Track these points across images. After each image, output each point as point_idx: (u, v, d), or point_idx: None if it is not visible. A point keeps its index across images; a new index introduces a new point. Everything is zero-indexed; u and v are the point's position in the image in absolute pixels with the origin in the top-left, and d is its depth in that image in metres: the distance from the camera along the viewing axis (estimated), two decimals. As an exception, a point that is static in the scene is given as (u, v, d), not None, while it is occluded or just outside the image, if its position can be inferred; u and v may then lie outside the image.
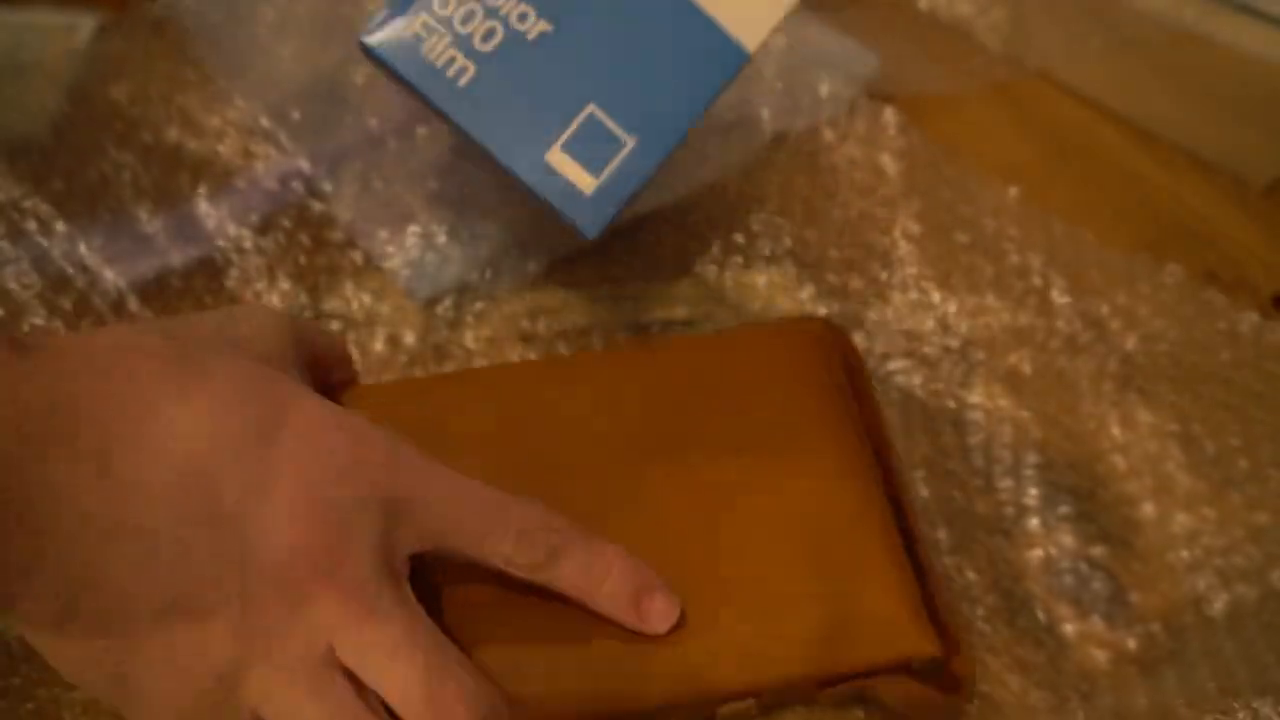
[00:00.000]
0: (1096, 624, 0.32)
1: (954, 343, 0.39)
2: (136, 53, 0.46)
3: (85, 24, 0.47)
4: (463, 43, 0.30)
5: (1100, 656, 0.31)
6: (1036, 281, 0.41)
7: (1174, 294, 0.41)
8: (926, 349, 0.39)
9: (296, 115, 0.43)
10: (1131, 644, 0.31)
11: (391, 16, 0.31)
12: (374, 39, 0.31)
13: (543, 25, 0.31)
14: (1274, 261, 0.43)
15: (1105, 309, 0.40)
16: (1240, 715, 0.30)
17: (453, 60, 0.30)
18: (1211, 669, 0.31)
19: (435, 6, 0.31)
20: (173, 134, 0.43)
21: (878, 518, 0.29)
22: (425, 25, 0.30)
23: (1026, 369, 0.38)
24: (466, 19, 0.31)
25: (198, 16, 0.47)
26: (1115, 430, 0.36)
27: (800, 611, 0.26)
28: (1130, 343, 0.39)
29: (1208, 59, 0.52)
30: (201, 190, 0.41)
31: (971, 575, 0.33)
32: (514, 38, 0.31)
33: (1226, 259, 0.42)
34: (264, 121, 0.43)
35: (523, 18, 0.31)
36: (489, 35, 0.31)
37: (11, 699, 0.29)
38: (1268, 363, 0.39)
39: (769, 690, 0.26)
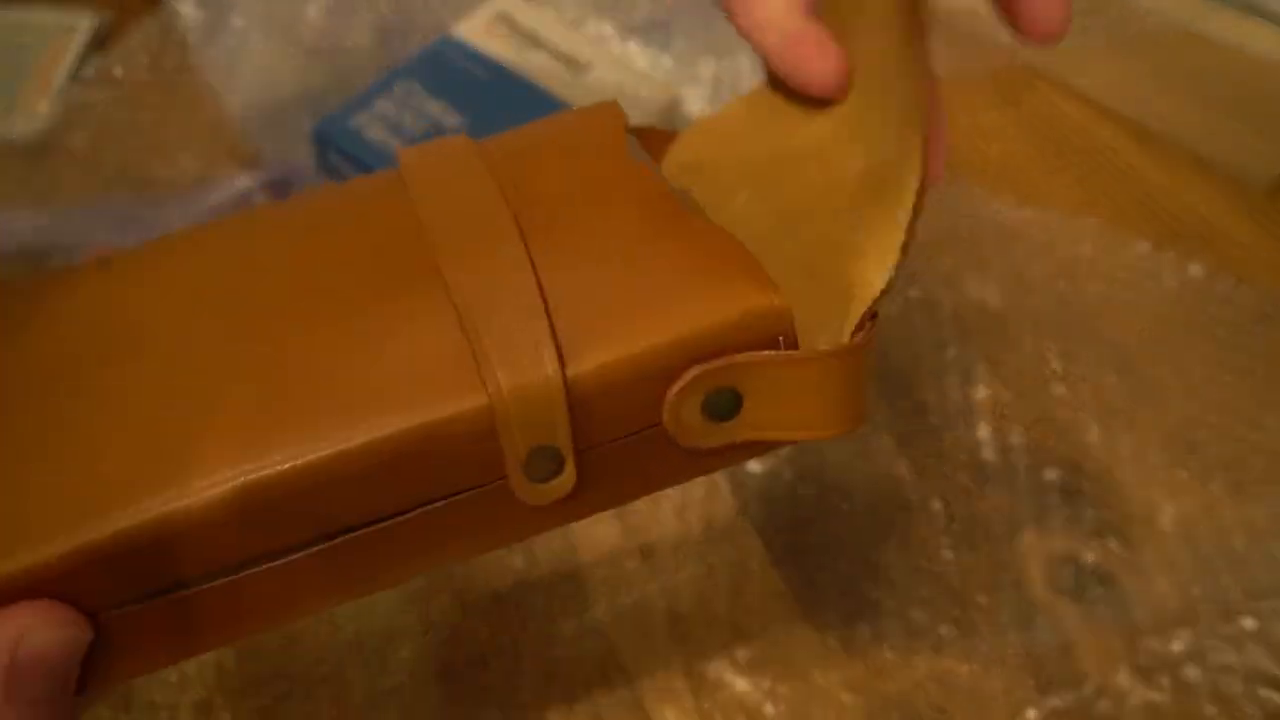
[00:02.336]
0: (1055, 543, 0.33)
1: (893, 295, 0.40)
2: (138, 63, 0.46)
3: (83, 23, 0.47)
4: (396, 131, 0.41)
5: (1061, 571, 0.32)
6: (965, 235, 0.42)
7: (1100, 244, 0.42)
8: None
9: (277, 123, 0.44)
10: (1090, 556, 0.32)
11: (342, 113, 0.41)
12: (323, 128, 0.40)
13: (458, 118, 0.41)
14: (1275, 261, 0.43)
15: (1034, 262, 0.41)
16: (1200, 627, 0.30)
17: (387, 141, 0.40)
18: (1169, 581, 0.31)
19: (377, 109, 0.41)
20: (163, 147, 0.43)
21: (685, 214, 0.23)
22: (369, 119, 0.41)
23: (967, 315, 0.39)
24: (399, 114, 0.41)
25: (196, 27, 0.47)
26: (1056, 363, 0.38)
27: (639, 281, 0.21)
28: (1061, 286, 0.40)
29: (1208, 59, 0.52)
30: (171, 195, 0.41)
31: (937, 505, 0.34)
32: (437, 128, 0.41)
33: (1228, 258, 0.42)
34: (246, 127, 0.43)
35: (444, 114, 0.41)
36: (417, 122, 0.41)
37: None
38: (1187, 296, 0.40)
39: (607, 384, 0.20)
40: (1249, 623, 0.31)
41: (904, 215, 0.22)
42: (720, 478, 0.34)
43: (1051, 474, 0.35)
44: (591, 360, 0.19)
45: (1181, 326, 0.39)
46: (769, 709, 0.29)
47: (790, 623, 0.31)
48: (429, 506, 0.20)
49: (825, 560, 0.32)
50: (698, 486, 0.34)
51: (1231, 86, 0.50)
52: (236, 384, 0.20)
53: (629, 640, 0.31)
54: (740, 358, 0.20)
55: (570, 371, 0.19)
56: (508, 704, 0.29)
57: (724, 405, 0.20)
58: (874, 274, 0.21)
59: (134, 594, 0.18)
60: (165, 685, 0.29)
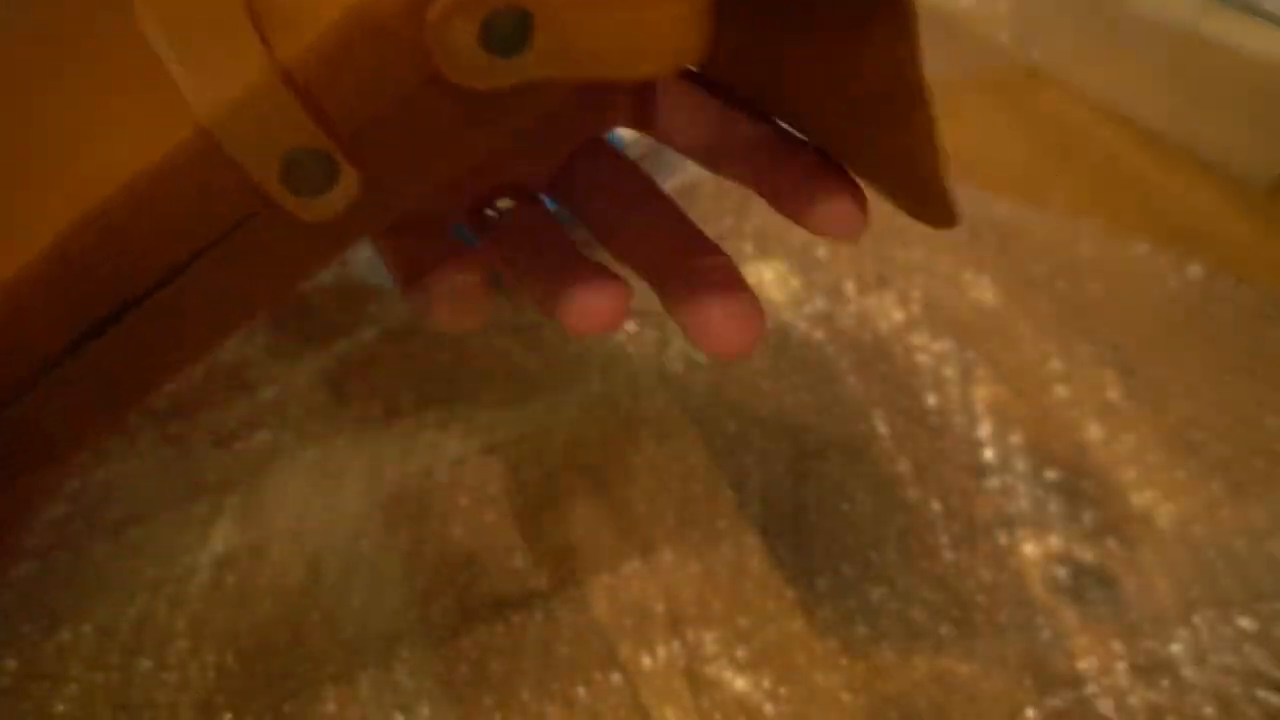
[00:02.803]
0: (1055, 543, 0.33)
1: (893, 295, 0.40)
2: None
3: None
4: None
5: (1060, 571, 0.32)
6: (965, 235, 0.43)
7: (1099, 245, 0.42)
8: (870, 301, 0.40)
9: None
10: (1089, 556, 0.32)
11: None
12: None
13: None
14: (1275, 261, 0.43)
15: (1034, 262, 0.42)
16: (1199, 629, 0.30)
17: None
18: (1169, 581, 0.31)
19: None
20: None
21: None
22: None
23: (967, 315, 0.40)
24: None
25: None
26: (1056, 363, 0.38)
27: None
28: (1061, 286, 0.40)
29: (1210, 58, 0.52)
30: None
31: (936, 505, 0.34)
32: None
33: (1228, 258, 0.42)
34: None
35: None
36: None
37: (5, 696, 0.29)
38: (1186, 297, 0.41)
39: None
40: (1248, 623, 0.31)
41: None
42: (720, 479, 0.34)
43: (1051, 474, 0.35)
44: (307, 32, 0.15)
45: (1181, 327, 0.39)
46: (769, 709, 0.29)
47: (790, 623, 0.31)
48: (211, 253, 0.17)
49: (825, 561, 0.32)
50: (698, 486, 0.34)
51: (1231, 86, 0.50)
52: None
53: (629, 640, 0.31)
54: None
55: (283, 53, 0.15)
56: (508, 704, 0.29)
57: (509, 31, 0.15)
58: None
59: None
60: (165, 685, 0.29)
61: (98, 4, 0.17)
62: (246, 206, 0.16)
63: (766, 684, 0.30)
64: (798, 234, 0.42)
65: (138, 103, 0.16)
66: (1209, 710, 0.29)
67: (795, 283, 0.40)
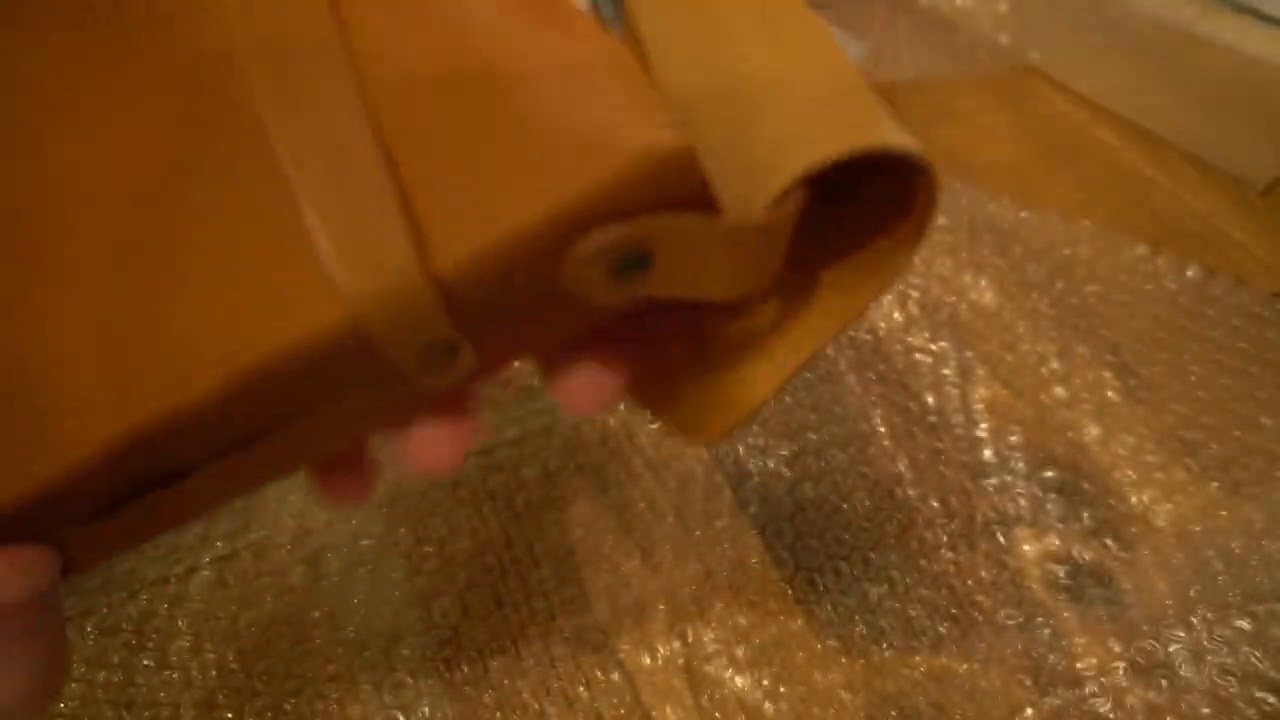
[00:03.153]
0: (1053, 543, 0.33)
1: (892, 295, 0.40)
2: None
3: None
4: None
5: (1059, 570, 0.32)
6: (964, 236, 0.43)
7: (1097, 246, 0.42)
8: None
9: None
10: (1087, 556, 0.32)
11: None
12: None
13: None
14: (1273, 261, 0.43)
15: (1032, 263, 0.42)
16: (1197, 629, 0.30)
17: None
18: (1167, 581, 0.32)
19: None
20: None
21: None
22: None
23: (966, 315, 0.40)
24: None
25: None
26: (1055, 364, 0.38)
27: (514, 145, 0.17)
28: (1059, 286, 0.41)
29: (1208, 59, 0.52)
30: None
31: (935, 504, 0.34)
32: None
33: (1225, 259, 0.42)
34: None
35: None
36: None
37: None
38: (1184, 298, 0.41)
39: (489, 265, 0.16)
40: (1245, 624, 0.31)
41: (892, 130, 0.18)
42: (720, 478, 0.34)
43: (1050, 474, 0.35)
44: (461, 246, 0.16)
45: (1179, 327, 0.40)
46: (768, 707, 0.29)
47: (790, 621, 0.31)
48: (332, 405, 0.18)
49: (824, 559, 0.32)
50: (697, 487, 0.34)
51: (1230, 87, 0.50)
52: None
53: (629, 639, 0.31)
54: (654, 222, 0.17)
55: (438, 263, 0.16)
56: (508, 704, 0.29)
57: (633, 263, 0.18)
58: (819, 152, 0.18)
59: (106, 503, 0.17)
60: (167, 683, 0.30)
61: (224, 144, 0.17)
62: (373, 376, 0.18)
63: (766, 682, 0.30)
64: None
65: (279, 268, 0.16)
66: (1206, 710, 0.29)
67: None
